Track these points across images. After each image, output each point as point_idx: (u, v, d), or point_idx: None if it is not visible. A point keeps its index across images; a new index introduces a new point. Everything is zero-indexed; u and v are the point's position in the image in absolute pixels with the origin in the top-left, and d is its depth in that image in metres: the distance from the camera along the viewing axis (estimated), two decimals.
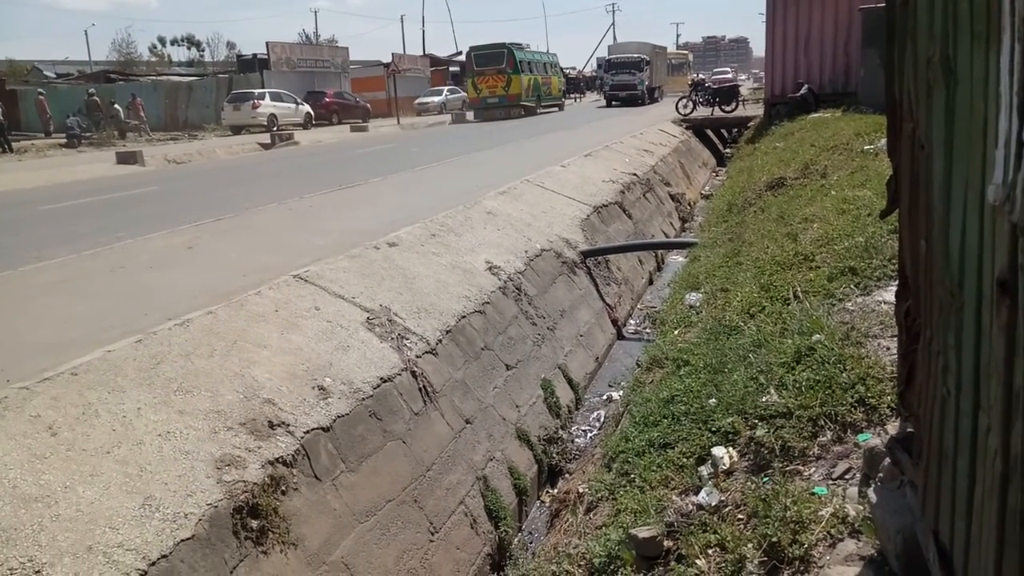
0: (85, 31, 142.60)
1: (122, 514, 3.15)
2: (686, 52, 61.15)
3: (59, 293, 5.94)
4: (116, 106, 29.10)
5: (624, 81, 38.00)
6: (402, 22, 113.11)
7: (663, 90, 44.79)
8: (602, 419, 6.86)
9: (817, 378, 3.49)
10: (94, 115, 27.87)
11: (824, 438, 3.13)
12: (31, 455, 3.28)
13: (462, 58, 59.00)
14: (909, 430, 2.18)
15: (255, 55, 40.44)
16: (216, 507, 3.41)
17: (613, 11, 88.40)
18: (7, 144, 22.93)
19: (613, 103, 38.35)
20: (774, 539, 2.60)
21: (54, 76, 45.99)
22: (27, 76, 44.37)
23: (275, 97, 29.82)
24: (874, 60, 14.44)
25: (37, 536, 2.90)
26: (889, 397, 3.13)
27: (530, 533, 5.55)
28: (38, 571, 2.76)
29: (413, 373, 5.31)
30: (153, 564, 3.01)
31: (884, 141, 9.41)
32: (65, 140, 24.87)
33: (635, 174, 14.37)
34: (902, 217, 2.05)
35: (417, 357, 5.48)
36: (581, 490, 4.76)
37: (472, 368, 6.06)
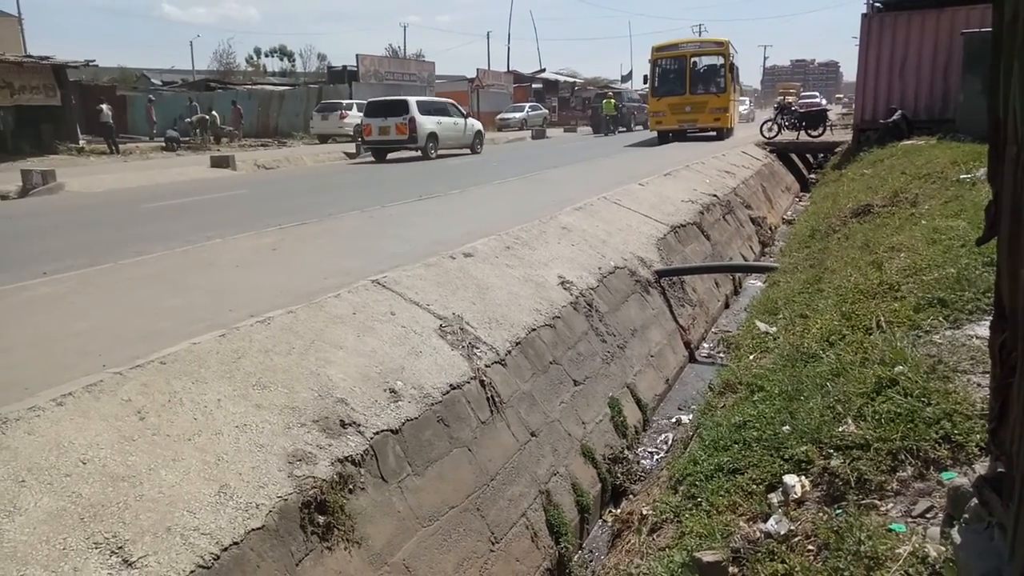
0: (190, 42, 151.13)
1: (199, 499, 3.29)
2: (723, 41, 27.13)
3: (153, 286, 6.26)
4: (213, 112, 30.59)
5: None
6: (488, 39, 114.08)
7: None
8: (670, 442, 6.73)
9: (899, 411, 3.35)
10: (194, 120, 29.37)
11: (904, 473, 2.99)
12: (120, 436, 3.46)
13: (545, 75, 59.30)
14: (1000, 469, 2.06)
15: (345, 67, 41.75)
16: (286, 500, 3.51)
17: (700, 31, 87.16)
18: (115, 146, 24.41)
19: None
20: (846, 573, 2.50)
21: (160, 84, 48.61)
22: (135, 83, 47.05)
23: (362, 108, 30.67)
24: (975, 86, 13.81)
25: (122, 514, 3.05)
26: (978, 435, 2.98)
27: (591, 551, 5.49)
28: (120, 547, 2.90)
29: (482, 382, 5.35)
30: (225, 550, 3.12)
31: (983, 171, 9.04)
32: (164, 144, 26.26)
33: (715, 195, 14.13)
34: (1000, 245, 1.95)
35: (486, 367, 5.52)
36: (645, 512, 4.68)
37: (540, 381, 6.07)
